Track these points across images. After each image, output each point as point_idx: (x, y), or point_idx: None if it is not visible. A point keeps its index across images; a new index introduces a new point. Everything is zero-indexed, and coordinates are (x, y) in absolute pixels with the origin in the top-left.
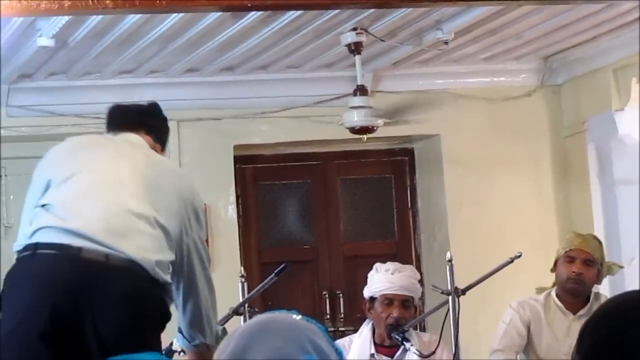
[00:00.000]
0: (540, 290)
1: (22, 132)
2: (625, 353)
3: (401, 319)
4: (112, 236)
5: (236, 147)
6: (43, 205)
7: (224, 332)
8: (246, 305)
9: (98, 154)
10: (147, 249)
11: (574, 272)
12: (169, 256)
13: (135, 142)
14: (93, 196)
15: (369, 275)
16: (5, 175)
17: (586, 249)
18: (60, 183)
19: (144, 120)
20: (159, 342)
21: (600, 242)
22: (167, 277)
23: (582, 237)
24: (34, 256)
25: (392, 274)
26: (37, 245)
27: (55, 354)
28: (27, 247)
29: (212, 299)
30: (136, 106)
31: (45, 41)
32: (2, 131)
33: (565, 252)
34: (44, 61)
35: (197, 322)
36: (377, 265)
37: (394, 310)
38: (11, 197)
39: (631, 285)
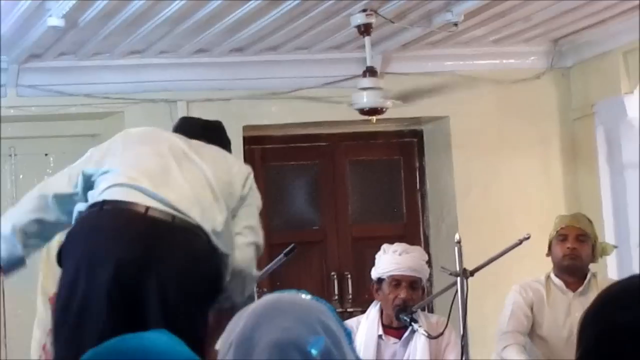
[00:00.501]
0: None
1: (32, 112)
2: (631, 338)
3: (409, 300)
4: (181, 201)
5: (245, 128)
6: (105, 172)
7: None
8: (255, 285)
9: (162, 137)
10: (214, 220)
11: (568, 248)
12: (231, 233)
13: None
14: (166, 165)
15: (377, 256)
16: (15, 155)
17: (577, 225)
18: (123, 151)
19: (206, 133)
20: (207, 315)
21: (590, 220)
22: (227, 250)
23: (571, 215)
24: (100, 212)
25: (399, 255)
26: (104, 203)
27: (117, 307)
28: (93, 205)
29: (252, 274)
30: (203, 120)
31: (55, 21)
32: (12, 111)
33: (557, 231)
34: (53, 41)
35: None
36: (385, 246)
37: (401, 291)
38: (20, 176)
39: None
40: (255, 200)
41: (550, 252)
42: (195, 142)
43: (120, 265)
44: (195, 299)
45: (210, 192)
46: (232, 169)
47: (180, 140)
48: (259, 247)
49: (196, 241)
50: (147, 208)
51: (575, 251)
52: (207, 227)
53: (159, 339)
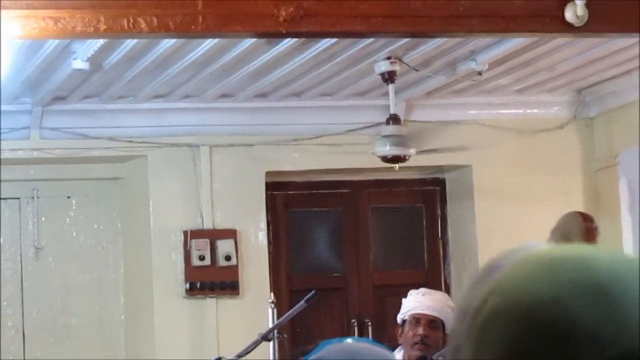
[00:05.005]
0: None
1: (55, 154)
2: None
3: (426, 337)
4: None
5: (268, 174)
6: None
7: None
8: (275, 331)
9: None
10: None
11: None
12: None
13: None
14: None
15: (403, 300)
16: (38, 197)
17: None
18: None
19: None
20: None
21: None
22: None
23: None
24: None
25: (422, 295)
26: None
27: None
28: None
29: None
30: None
31: (79, 64)
32: (35, 153)
33: None
34: (78, 84)
35: None
36: (412, 290)
37: (420, 328)
38: (43, 218)
39: None
40: None
41: None
42: None
43: None
44: None
45: None
46: None
47: None
48: None
49: None
50: None
51: None
52: None
53: None
